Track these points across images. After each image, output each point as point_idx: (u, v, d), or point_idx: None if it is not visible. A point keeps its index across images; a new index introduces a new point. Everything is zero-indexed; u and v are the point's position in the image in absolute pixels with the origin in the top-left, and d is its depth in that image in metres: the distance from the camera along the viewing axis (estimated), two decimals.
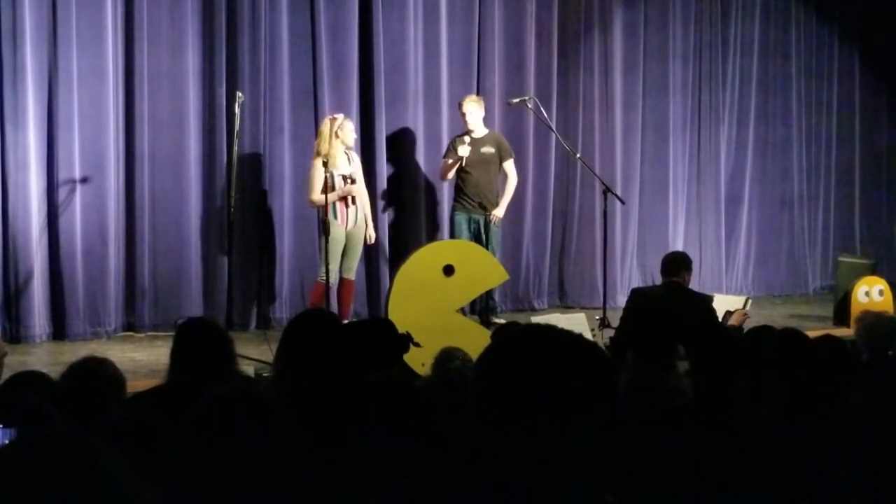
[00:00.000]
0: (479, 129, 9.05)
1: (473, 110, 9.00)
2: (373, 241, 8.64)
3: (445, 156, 9.19)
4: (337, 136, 8.20)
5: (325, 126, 8.26)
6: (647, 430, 3.28)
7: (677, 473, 3.13)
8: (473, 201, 9.02)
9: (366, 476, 2.28)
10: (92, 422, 2.84)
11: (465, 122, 9.05)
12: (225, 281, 8.98)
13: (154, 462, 2.22)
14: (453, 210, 9.17)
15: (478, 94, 9.77)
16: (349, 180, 8.23)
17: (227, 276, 8.97)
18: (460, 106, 9.11)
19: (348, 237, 8.31)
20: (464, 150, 8.88)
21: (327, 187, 7.86)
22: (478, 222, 9.03)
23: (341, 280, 8.35)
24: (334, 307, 8.19)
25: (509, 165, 9.23)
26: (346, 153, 8.38)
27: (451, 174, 9.10)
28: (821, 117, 12.31)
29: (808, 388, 3.70)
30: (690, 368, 4.22)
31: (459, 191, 9.10)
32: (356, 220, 8.33)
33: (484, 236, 8.99)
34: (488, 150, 9.03)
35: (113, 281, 8.61)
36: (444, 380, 4.28)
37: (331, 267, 7.90)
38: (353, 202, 8.36)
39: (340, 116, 8.37)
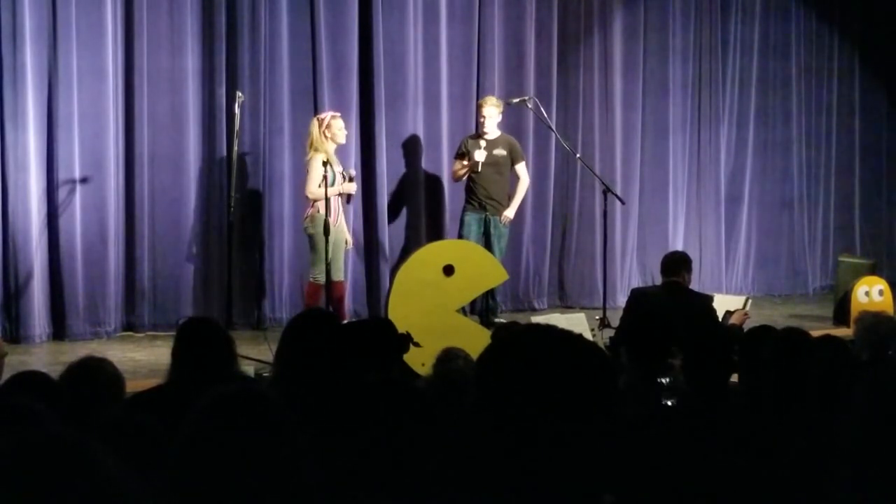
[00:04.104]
0: (492, 132, 9.05)
1: (493, 114, 9.00)
2: (350, 244, 8.60)
3: (456, 157, 9.19)
4: (326, 137, 8.17)
5: (314, 127, 8.20)
6: (647, 429, 3.28)
7: (677, 473, 3.13)
8: (484, 202, 9.03)
9: (366, 476, 2.28)
10: (91, 422, 2.84)
11: (481, 124, 9.04)
12: (225, 281, 8.96)
13: (155, 462, 2.23)
14: (463, 210, 9.17)
15: (477, 94, 9.77)
16: (347, 177, 8.22)
17: (227, 276, 8.94)
18: (480, 107, 9.10)
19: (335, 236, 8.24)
20: (480, 156, 8.89)
21: (326, 183, 7.80)
22: (488, 223, 9.05)
23: (331, 283, 8.24)
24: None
25: (521, 168, 9.24)
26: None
27: (464, 176, 9.10)
28: (821, 117, 12.32)
29: (809, 388, 3.70)
30: (681, 368, 4.21)
31: (470, 192, 9.10)
32: (341, 221, 8.28)
33: (494, 237, 9.01)
34: (500, 152, 9.04)
35: (113, 281, 8.61)
36: (444, 380, 4.28)
37: (323, 267, 7.82)
38: (349, 201, 8.34)
39: (328, 115, 8.33)
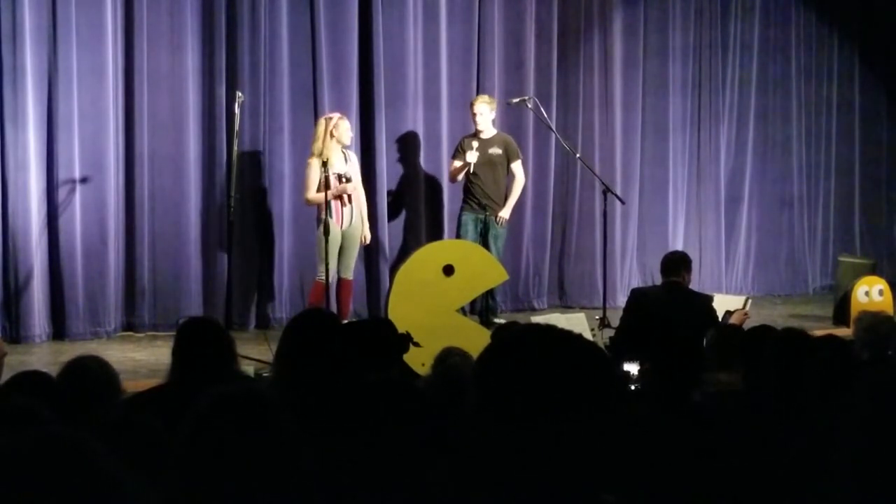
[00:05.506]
0: (487, 130, 9.05)
1: (484, 111, 9.00)
2: (368, 241, 8.63)
3: (453, 157, 9.20)
4: (332, 136, 8.20)
5: (320, 126, 8.26)
6: (647, 429, 3.28)
7: (677, 473, 3.13)
8: (481, 202, 9.03)
9: (366, 476, 2.28)
10: (90, 421, 2.84)
11: (474, 123, 9.04)
12: (225, 281, 8.98)
13: (155, 462, 2.22)
14: (461, 210, 9.18)
15: (477, 94, 9.77)
16: (344, 179, 8.24)
17: (227, 276, 8.97)
18: (472, 106, 9.10)
19: (344, 236, 8.31)
20: (472, 157, 8.88)
21: (322, 186, 7.86)
22: (484, 223, 9.05)
23: (340, 280, 8.34)
24: (333, 307, 8.18)
25: (517, 166, 9.23)
26: (343, 152, 8.38)
27: (461, 177, 9.11)
28: (821, 117, 12.32)
29: (809, 388, 3.70)
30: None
31: (467, 191, 9.11)
32: (352, 219, 8.32)
33: (491, 238, 9.00)
34: (496, 151, 9.04)
35: (113, 281, 8.61)
36: (444, 378, 4.28)
37: (329, 266, 7.89)
38: (350, 201, 8.36)
39: (336, 116, 8.37)
